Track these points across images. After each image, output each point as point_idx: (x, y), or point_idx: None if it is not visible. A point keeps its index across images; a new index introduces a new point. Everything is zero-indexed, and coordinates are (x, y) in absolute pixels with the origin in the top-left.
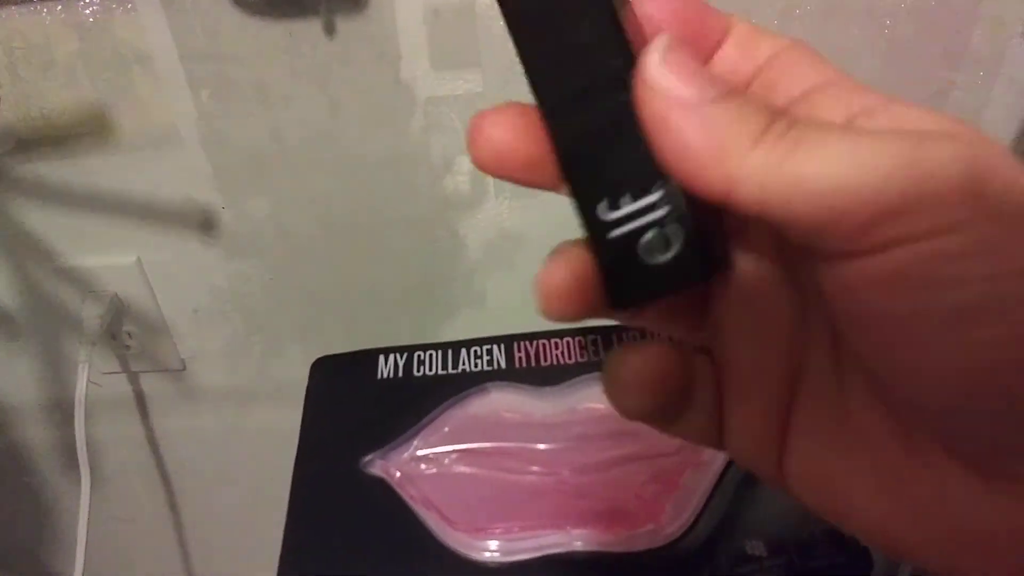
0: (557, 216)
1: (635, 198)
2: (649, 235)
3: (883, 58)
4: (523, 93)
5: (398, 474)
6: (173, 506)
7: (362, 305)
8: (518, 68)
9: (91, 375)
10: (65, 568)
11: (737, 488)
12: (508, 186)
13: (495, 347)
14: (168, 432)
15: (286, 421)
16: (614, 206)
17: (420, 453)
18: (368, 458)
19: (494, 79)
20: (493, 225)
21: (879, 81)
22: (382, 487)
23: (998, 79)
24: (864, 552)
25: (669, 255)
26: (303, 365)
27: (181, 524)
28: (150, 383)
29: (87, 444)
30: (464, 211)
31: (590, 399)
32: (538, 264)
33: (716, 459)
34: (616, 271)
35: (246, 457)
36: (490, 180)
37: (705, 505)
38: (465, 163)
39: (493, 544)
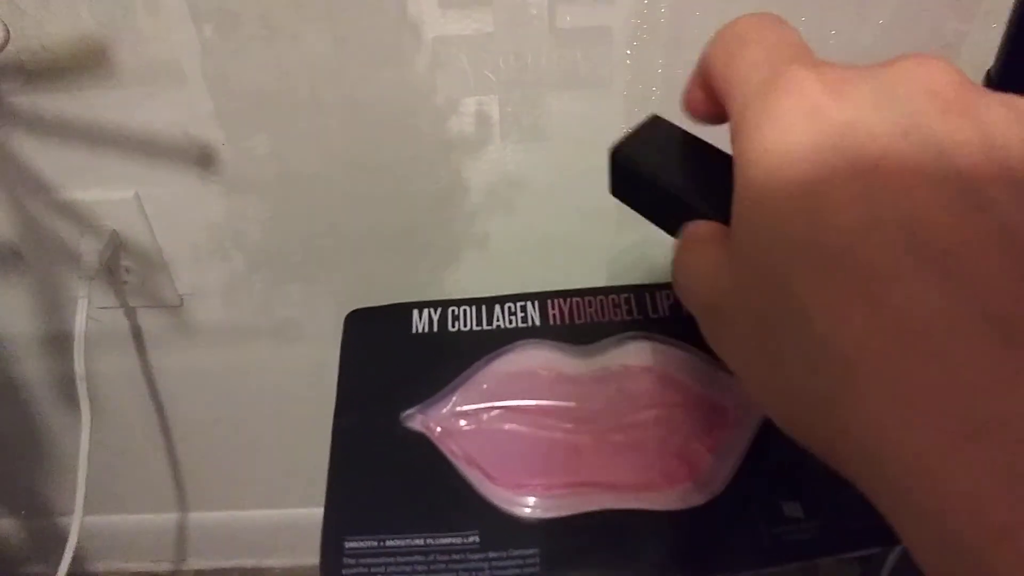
0: (560, 162)
1: None
2: None
3: (894, 9)
4: (532, 34)
5: (438, 429)
6: (170, 440)
7: (363, 245)
8: (529, 9)
9: (89, 310)
10: (65, 500)
11: (774, 449)
12: (513, 129)
13: (529, 304)
14: (166, 367)
15: (284, 358)
16: None
17: (459, 409)
18: (408, 413)
19: (505, 19)
20: (497, 168)
21: (890, 32)
22: (422, 442)
23: None
24: None
25: None
26: (303, 304)
27: (178, 458)
28: (148, 318)
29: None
30: (468, 153)
31: (625, 357)
32: (541, 209)
33: (753, 418)
34: None
35: (243, 393)
36: (496, 122)
37: (742, 465)
38: (471, 104)
39: (532, 500)
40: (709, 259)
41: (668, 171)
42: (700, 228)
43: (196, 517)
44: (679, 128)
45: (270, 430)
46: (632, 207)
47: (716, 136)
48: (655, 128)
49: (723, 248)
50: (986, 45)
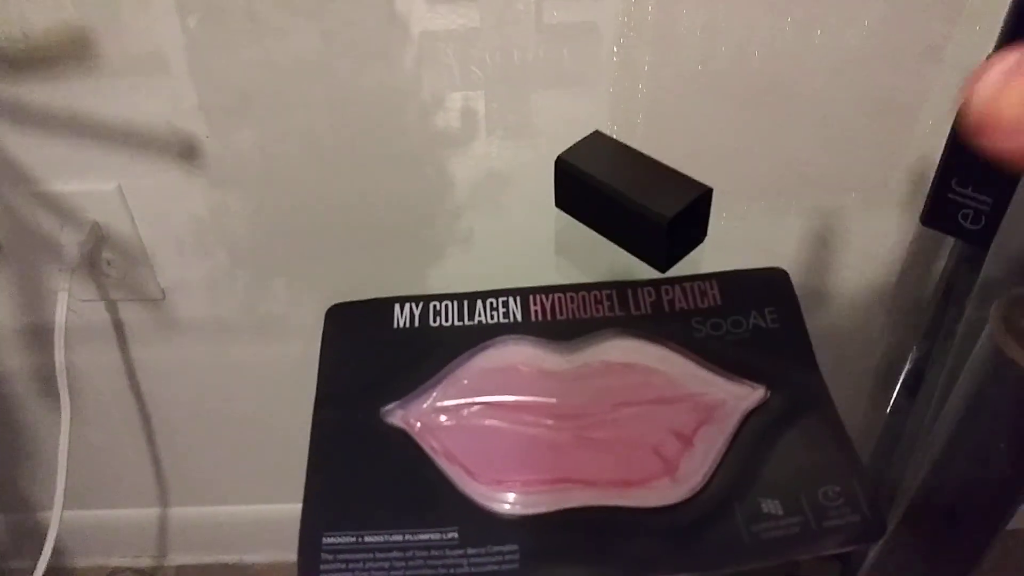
0: (545, 158)
1: None
2: None
3: (879, 10)
4: (519, 30)
5: (418, 425)
6: (151, 435)
7: (347, 240)
8: (516, 5)
9: (70, 302)
10: (45, 494)
11: (753, 446)
12: (499, 125)
13: (511, 299)
14: (147, 361)
15: (267, 354)
16: None
17: (440, 404)
18: (388, 408)
19: (491, 14)
20: (482, 164)
21: (876, 33)
22: (402, 437)
23: (994, 36)
24: (878, 515)
25: None
26: (287, 300)
27: (159, 453)
28: (129, 312)
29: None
30: (453, 149)
31: (606, 353)
32: (525, 205)
33: (732, 416)
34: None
35: (225, 387)
36: (481, 118)
37: (721, 462)
38: (456, 100)
39: (512, 496)
40: None
41: (610, 177)
42: None
43: (178, 512)
44: (618, 141)
45: (252, 425)
46: (575, 215)
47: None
48: (596, 142)
49: None
50: (970, 46)
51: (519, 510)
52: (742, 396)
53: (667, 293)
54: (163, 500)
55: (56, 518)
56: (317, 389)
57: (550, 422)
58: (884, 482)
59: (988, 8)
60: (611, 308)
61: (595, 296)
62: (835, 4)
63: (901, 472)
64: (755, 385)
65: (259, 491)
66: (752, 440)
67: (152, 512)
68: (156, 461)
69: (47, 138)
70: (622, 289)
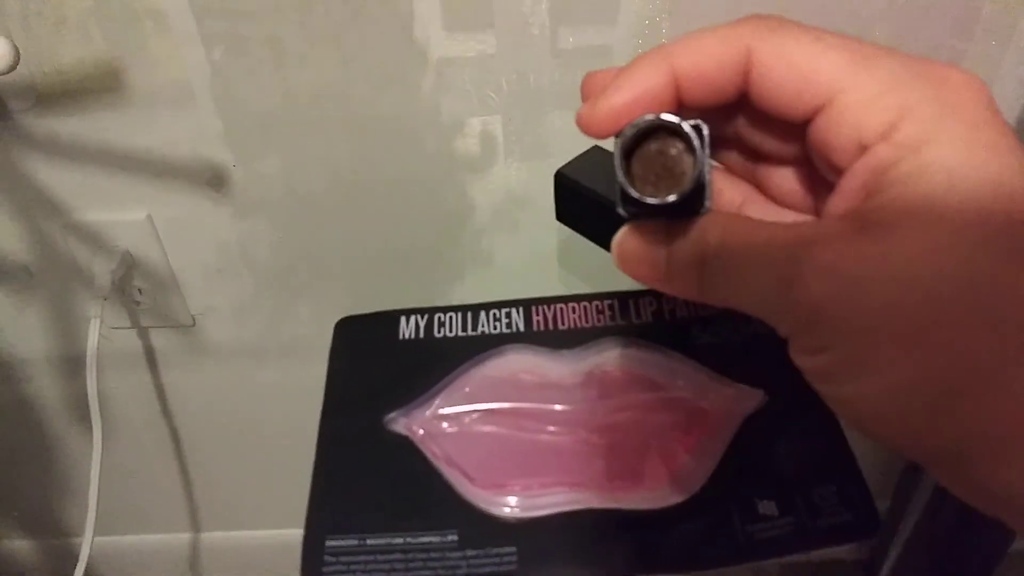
0: None
1: None
2: None
3: (892, 26)
4: (534, 55)
5: (421, 432)
6: (182, 460)
7: (370, 264)
8: (531, 30)
9: (101, 330)
10: (76, 520)
11: (751, 449)
12: (517, 149)
13: (513, 310)
14: (178, 387)
15: (295, 377)
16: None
17: (442, 412)
18: (391, 416)
19: (507, 40)
20: (501, 188)
21: (889, 47)
22: (405, 444)
23: (1009, 50)
24: (871, 513)
25: None
26: (312, 323)
27: (190, 478)
28: (160, 338)
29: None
30: (473, 173)
31: (606, 362)
32: (544, 226)
33: (731, 420)
34: None
35: (255, 412)
36: (500, 142)
37: (719, 466)
38: (475, 125)
39: (512, 500)
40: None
41: (609, 191)
42: (828, 228)
43: (208, 537)
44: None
45: (283, 449)
46: (577, 229)
47: None
48: (596, 155)
49: (866, 250)
50: (985, 61)
51: (518, 513)
52: (740, 400)
53: (668, 303)
54: (194, 525)
55: (87, 543)
56: (324, 399)
57: (551, 428)
58: (894, 496)
59: (1003, 23)
60: (612, 318)
61: (597, 306)
62: (847, 19)
63: (910, 487)
64: (753, 390)
65: (290, 515)
66: (750, 443)
67: (184, 537)
68: (187, 486)
69: (79, 169)
70: (624, 299)
